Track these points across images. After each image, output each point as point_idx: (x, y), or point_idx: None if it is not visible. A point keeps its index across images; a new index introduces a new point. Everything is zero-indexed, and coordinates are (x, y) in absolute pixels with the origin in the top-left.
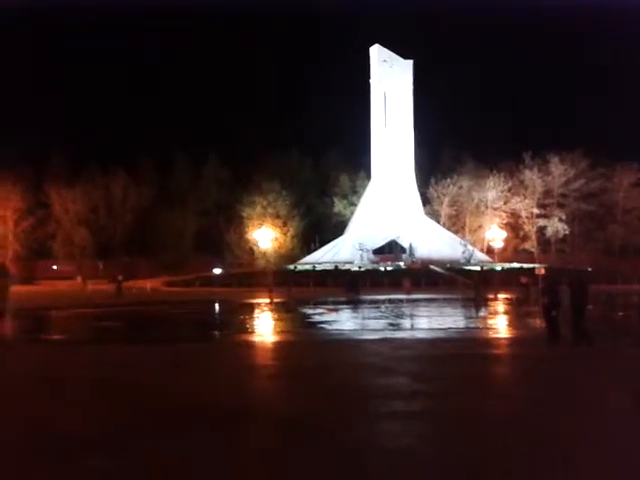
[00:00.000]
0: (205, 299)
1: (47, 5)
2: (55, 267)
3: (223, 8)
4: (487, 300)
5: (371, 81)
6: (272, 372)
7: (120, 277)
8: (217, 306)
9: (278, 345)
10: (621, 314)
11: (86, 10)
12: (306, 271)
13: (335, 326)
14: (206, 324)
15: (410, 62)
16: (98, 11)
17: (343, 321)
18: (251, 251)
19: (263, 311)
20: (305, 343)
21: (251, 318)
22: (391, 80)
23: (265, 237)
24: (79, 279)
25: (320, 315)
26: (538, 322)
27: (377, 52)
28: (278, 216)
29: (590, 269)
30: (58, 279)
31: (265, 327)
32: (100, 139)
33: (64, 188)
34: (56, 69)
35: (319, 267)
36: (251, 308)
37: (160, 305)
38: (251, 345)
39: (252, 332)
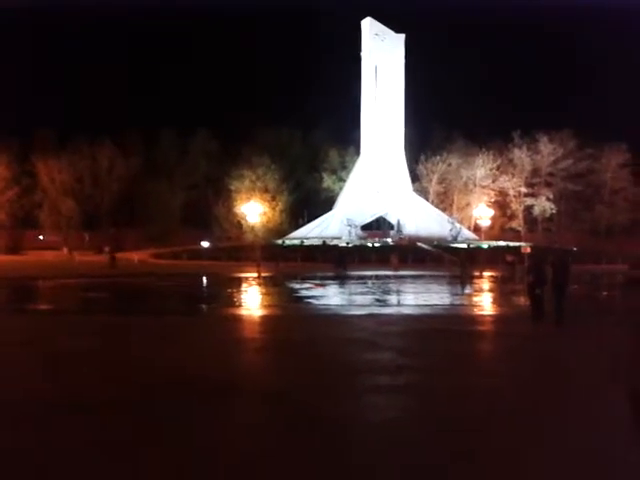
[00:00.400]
0: (193, 272)
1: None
2: (41, 237)
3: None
4: (473, 277)
5: (362, 55)
6: (259, 346)
7: (108, 248)
8: (205, 279)
9: (265, 319)
10: (605, 293)
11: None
12: (294, 246)
13: (322, 301)
14: (194, 297)
15: (402, 36)
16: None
17: (330, 296)
18: (239, 225)
19: (251, 285)
20: (292, 317)
21: (239, 292)
22: (382, 54)
23: (253, 211)
24: (65, 250)
25: (307, 290)
26: (523, 300)
27: (369, 25)
28: (267, 190)
29: (575, 249)
30: (45, 249)
31: (252, 301)
32: (87, 109)
33: (51, 158)
34: (47, 40)
35: (307, 242)
36: (239, 282)
37: (149, 277)
38: (238, 319)
39: (239, 306)
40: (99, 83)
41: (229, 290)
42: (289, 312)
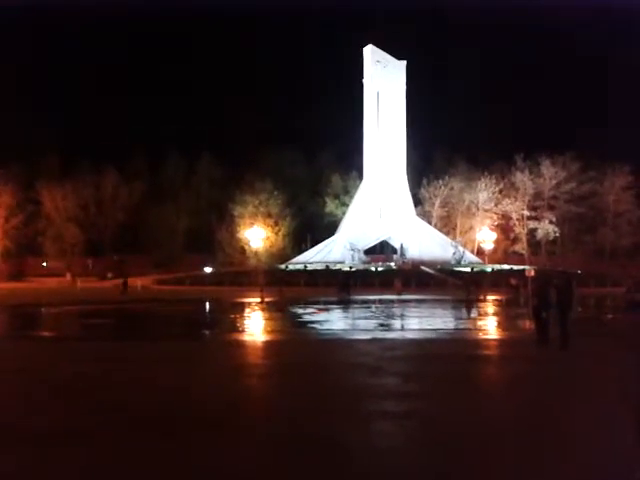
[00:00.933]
0: (196, 298)
1: (47, 5)
2: (45, 264)
3: (222, 8)
4: (477, 301)
5: (364, 81)
6: (262, 371)
7: (111, 274)
8: (208, 305)
9: (269, 344)
10: (610, 316)
11: (85, 10)
12: (297, 271)
13: (326, 326)
14: (198, 323)
15: (403, 63)
16: (97, 11)
17: (334, 321)
18: (242, 250)
19: (254, 310)
20: (296, 342)
21: (242, 317)
22: (384, 80)
23: (256, 236)
24: (69, 276)
25: (311, 315)
26: (527, 324)
27: (370, 52)
28: (270, 215)
29: (580, 272)
30: (48, 276)
31: (256, 326)
32: (92, 137)
33: (55, 185)
34: (49, 68)
35: (310, 267)
36: (242, 307)
37: (158, 303)
38: (242, 344)
39: (243, 331)
40: (102, 108)
41: (232, 315)
42: (293, 337)
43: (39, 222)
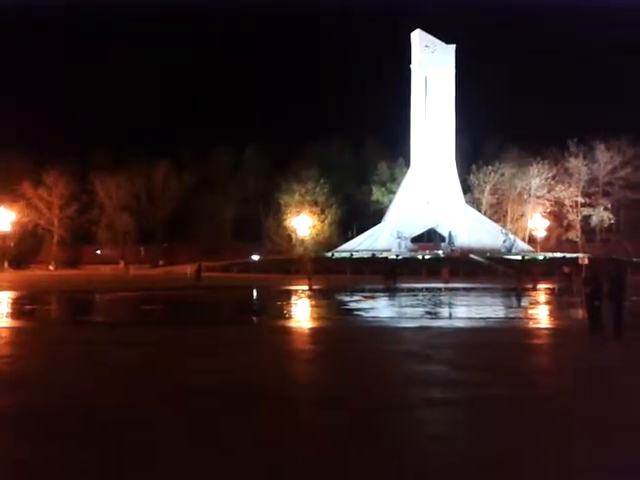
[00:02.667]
0: (245, 285)
1: None
2: (99, 252)
3: None
4: (528, 290)
5: (412, 67)
6: (312, 357)
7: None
8: (256, 292)
9: (317, 331)
10: None
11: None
12: (343, 259)
13: (373, 313)
14: (246, 310)
15: (452, 47)
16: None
17: (380, 309)
18: (289, 238)
19: (302, 298)
20: (343, 330)
21: (291, 304)
22: (433, 66)
23: (303, 224)
24: (122, 264)
25: (357, 303)
26: (580, 312)
27: (418, 37)
28: (316, 204)
29: (636, 260)
30: (102, 264)
31: (304, 313)
32: (144, 128)
33: (108, 176)
34: (102, 61)
35: (356, 255)
36: (290, 295)
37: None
38: (292, 331)
39: (291, 318)
40: (152, 100)
41: (282, 302)
42: (340, 324)
43: (93, 212)
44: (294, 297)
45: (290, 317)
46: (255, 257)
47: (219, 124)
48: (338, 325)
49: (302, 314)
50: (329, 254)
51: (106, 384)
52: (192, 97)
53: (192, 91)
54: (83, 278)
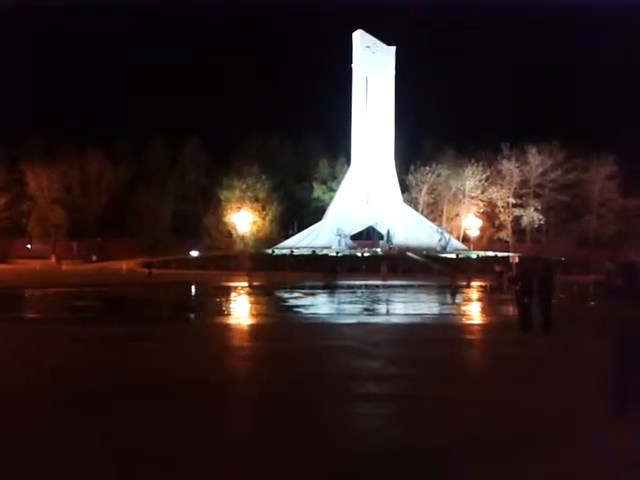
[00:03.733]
0: (182, 281)
1: None
2: (29, 246)
3: None
4: (462, 287)
5: (353, 66)
6: (247, 354)
7: (96, 257)
8: (194, 288)
9: (254, 328)
10: (592, 303)
11: None
12: (284, 255)
13: (312, 310)
14: (182, 307)
15: (393, 49)
16: None
17: (320, 305)
18: (229, 234)
19: (241, 294)
20: (281, 326)
21: (230, 301)
22: (373, 66)
23: (243, 221)
24: (53, 258)
25: (297, 299)
26: (511, 309)
27: (360, 38)
28: (257, 200)
29: (564, 259)
30: (32, 258)
31: (242, 310)
32: (77, 118)
33: (40, 166)
34: (34, 48)
35: (297, 252)
36: (229, 291)
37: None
38: (228, 327)
39: (230, 315)
40: (88, 89)
41: (219, 299)
42: (278, 321)
43: (23, 203)
44: (233, 294)
45: (228, 314)
46: (194, 253)
47: (158, 115)
48: (277, 322)
49: (240, 311)
50: (270, 251)
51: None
52: (130, 86)
53: (131, 80)
54: (11, 273)
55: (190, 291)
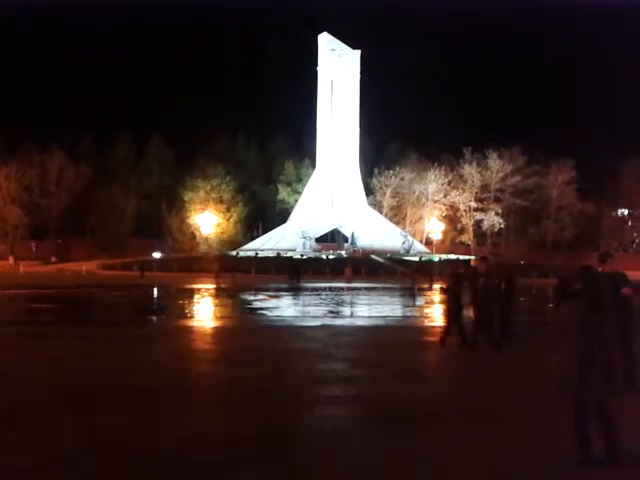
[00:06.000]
0: (145, 283)
1: None
2: None
3: None
4: (424, 289)
5: (318, 69)
6: (211, 357)
7: (55, 259)
8: (158, 291)
9: (218, 330)
10: (550, 305)
11: None
12: (248, 257)
13: (276, 312)
14: (144, 308)
15: (358, 52)
16: None
17: (284, 308)
18: (192, 236)
19: (206, 297)
20: (245, 329)
21: (193, 303)
22: (338, 69)
23: (208, 222)
24: (11, 259)
25: (261, 302)
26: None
27: (325, 40)
28: (221, 201)
29: (522, 262)
30: None
31: (206, 312)
32: (37, 116)
33: None
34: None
35: (262, 254)
36: (194, 293)
37: (99, 288)
38: (191, 330)
39: (193, 317)
40: (49, 86)
41: (183, 301)
42: (242, 323)
43: None
44: (197, 296)
45: (191, 316)
46: (157, 255)
47: (122, 114)
48: (241, 324)
49: (205, 313)
50: (234, 253)
51: None
52: (93, 84)
53: (94, 78)
54: None
55: (153, 294)
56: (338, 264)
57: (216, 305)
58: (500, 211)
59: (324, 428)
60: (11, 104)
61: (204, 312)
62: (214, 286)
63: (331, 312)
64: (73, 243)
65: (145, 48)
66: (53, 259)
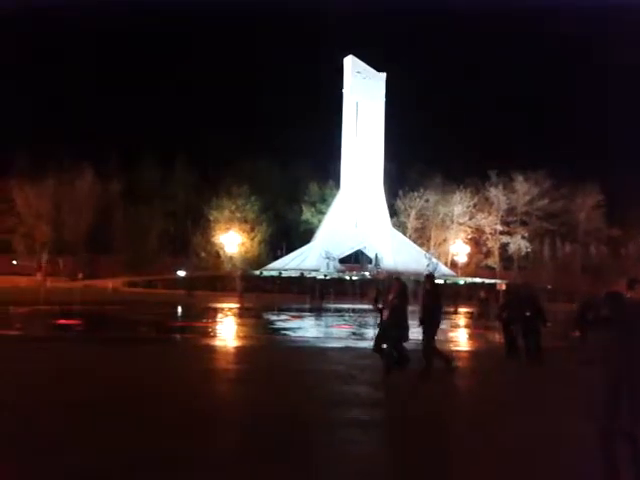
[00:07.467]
0: (170, 301)
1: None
2: (15, 262)
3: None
4: (448, 313)
5: (344, 91)
6: (233, 377)
7: (82, 275)
8: (182, 309)
9: (241, 350)
10: (576, 333)
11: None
12: (272, 277)
13: (299, 333)
14: (169, 327)
15: (383, 75)
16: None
17: (307, 328)
18: (217, 255)
19: (231, 316)
20: (268, 349)
21: (218, 322)
22: (364, 92)
23: (232, 241)
24: (39, 275)
25: (285, 322)
26: (497, 337)
27: (351, 63)
28: (246, 221)
29: (549, 287)
30: (17, 275)
31: (234, 332)
32: (67, 136)
33: (28, 183)
34: (25, 65)
35: (285, 274)
36: (219, 312)
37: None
38: (215, 349)
39: (215, 336)
40: (80, 107)
41: (208, 320)
42: (265, 343)
43: (9, 219)
44: (222, 315)
45: (217, 335)
46: (181, 273)
47: (149, 134)
48: (264, 344)
49: (231, 332)
50: (257, 272)
51: None
52: (121, 104)
53: (122, 98)
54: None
55: (177, 311)
56: (362, 285)
57: (241, 325)
58: (527, 234)
59: (345, 450)
60: (40, 124)
61: (229, 332)
62: (238, 305)
63: (354, 334)
64: (99, 260)
65: (174, 71)
66: (80, 275)
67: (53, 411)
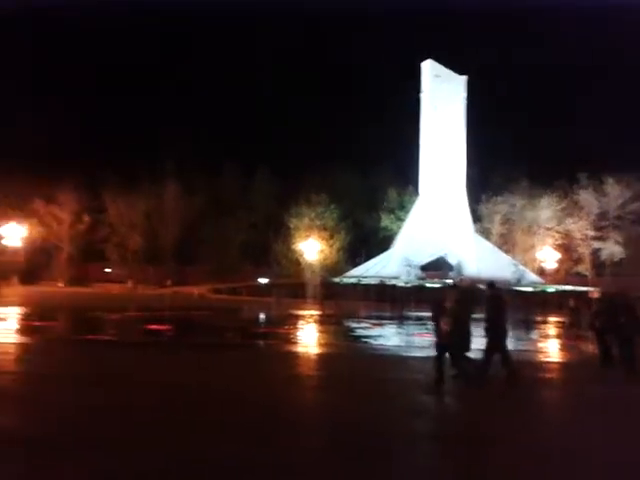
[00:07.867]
0: (254, 308)
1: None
2: (108, 270)
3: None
4: (538, 322)
5: (422, 95)
6: (314, 384)
7: (170, 282)
8: (264, 315)
9: (324, 357)
10: None
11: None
12: (352, 284)
13: (380, 341)
14: (251, 332)
15: (464, 78)
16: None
17: (389, 336)
18: (297, 262)
19: (313, 323)
20: (350, 356)
21: (300, 329)
22: (443, 95)
23: (311, 249)
24: (130, 283)
25: (365, 329)
26: (590, 347)
27: (429, 67)
28: (325, 228)
29: None
30: (110, 282)
31: (317, 338)
32: (155, 150)
33: (119, 194)
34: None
35: (364, 281)
36: (301, 319)
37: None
38: (298, 356)
39: (298, 343)
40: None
41: (290, 327)
42: (346, 351)
43: (103, 229)
44: (303, 322)
45: (299, 342)
46: (263, 280)
47: (229, 146)
48: (345, 351)
49: (313, 339)
50: (337, 279)
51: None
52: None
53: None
54: (94, 296)
55: (262, 318)
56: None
57: (324, 332)
58: (620, 240)
59: (429, 467)
60: (128, 138)
61: (312, 338)
62: (319, 312)
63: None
64: (185, 268)
65: (252, 83)
66: (168, 282)
67: (143, 414)
